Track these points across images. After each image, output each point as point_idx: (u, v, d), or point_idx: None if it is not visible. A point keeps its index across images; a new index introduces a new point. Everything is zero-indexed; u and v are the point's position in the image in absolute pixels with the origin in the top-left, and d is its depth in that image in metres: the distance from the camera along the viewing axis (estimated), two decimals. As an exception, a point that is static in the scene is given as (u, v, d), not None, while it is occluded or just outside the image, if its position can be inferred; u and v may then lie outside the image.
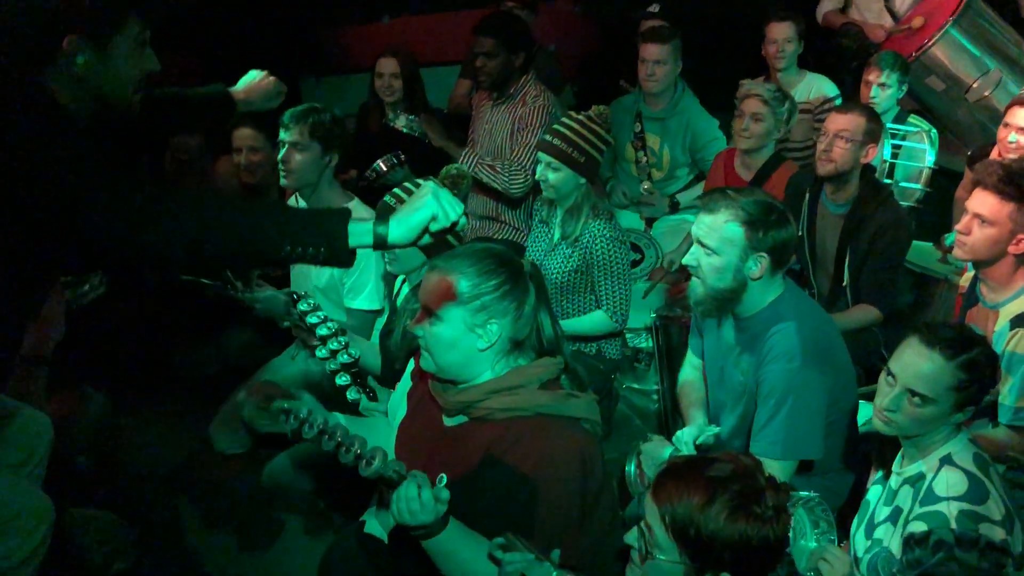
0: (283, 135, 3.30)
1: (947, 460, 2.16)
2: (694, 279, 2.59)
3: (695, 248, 2.57)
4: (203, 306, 3.63)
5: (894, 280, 3.58)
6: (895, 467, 2.30)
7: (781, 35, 4.74)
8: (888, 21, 5.50)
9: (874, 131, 3.53)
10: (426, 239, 1.99)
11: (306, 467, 3.06)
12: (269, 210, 2.11)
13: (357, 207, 3.36)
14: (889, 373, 2.20)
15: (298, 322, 2.87)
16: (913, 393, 2.14)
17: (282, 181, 3.37)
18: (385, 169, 4.02)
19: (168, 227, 1.84)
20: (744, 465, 1.75)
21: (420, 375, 2.25)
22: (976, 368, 2.11)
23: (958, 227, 2.88)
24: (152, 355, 3.93)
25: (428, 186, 2.00)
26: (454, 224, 1.99)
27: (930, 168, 4.17)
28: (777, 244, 2.49)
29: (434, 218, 1.96)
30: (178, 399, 3.93)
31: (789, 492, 1.76)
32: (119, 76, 1.98)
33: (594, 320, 3.44)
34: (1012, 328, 2.76)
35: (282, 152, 3.30)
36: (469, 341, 2.02)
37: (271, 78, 2.87)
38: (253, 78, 2.86)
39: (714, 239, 2.51)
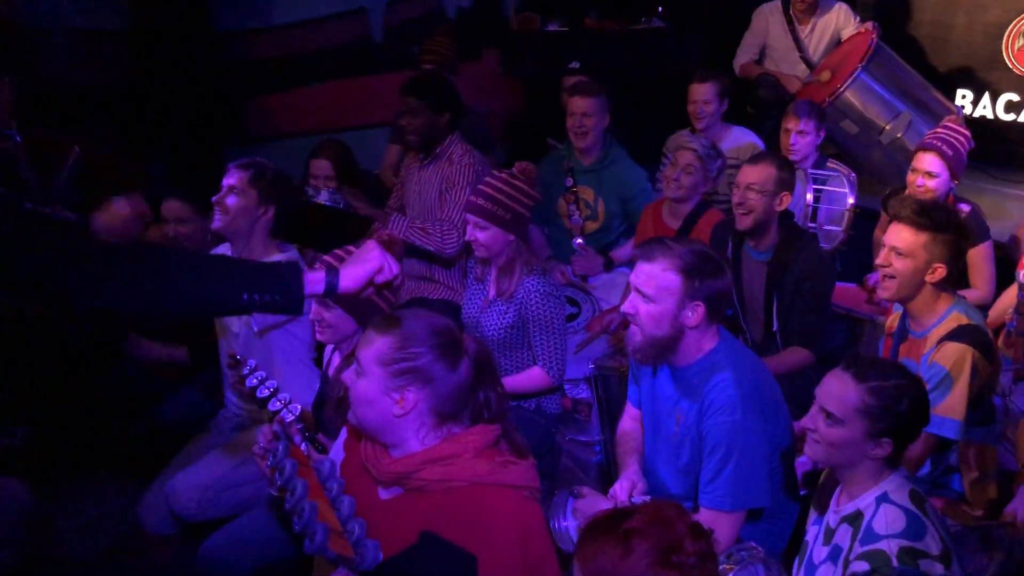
0: (225, 179, 3.30)
1: (884, 498, 2.18)
2: (632, 327, 2.61)
3: (633, 295, 2.59)
4: (128, 383, 3.54)
5: (822, 322, 3.65)
6: (832, 505, 2.32)
7: (700, 96, 4.84)
8: (803, 70, 5.69)
9: (785, 179, 3.61)
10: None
11: (245, 546, 2.95)
12: (224, 261, 2.21)
13: (287, 258, 3.35)
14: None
15: (239, 385, 2.80)
16: (825, 413, 2.21)
17: (214, 223, 3.32)
18: (327, 202, 4.02)
19: (127, 289, 1.88)
20: (663, 514, 1.70)
21: (353, 447, 2.19)
22: (884, 395, 2.15)
23: (877, 261, 2.98)
24: (75, 436, 3.79)
25: (372, 243, 2.15)
26: (396, 276, 2.16)
27: (851, 210, 4.29)
28: (712, 293, 2.53)
29: (380, 270, 2.12)
30: (104, 480, 3.81)
31: (710, 537, 1.73)
32: None
33: (531, 377, 3.42)
34: (938, 344, 2.85)
35: (219, 194, 3.28)
36: (385, 405, 1.99)
37: None
38: None
39: (652, 287, 2.53)
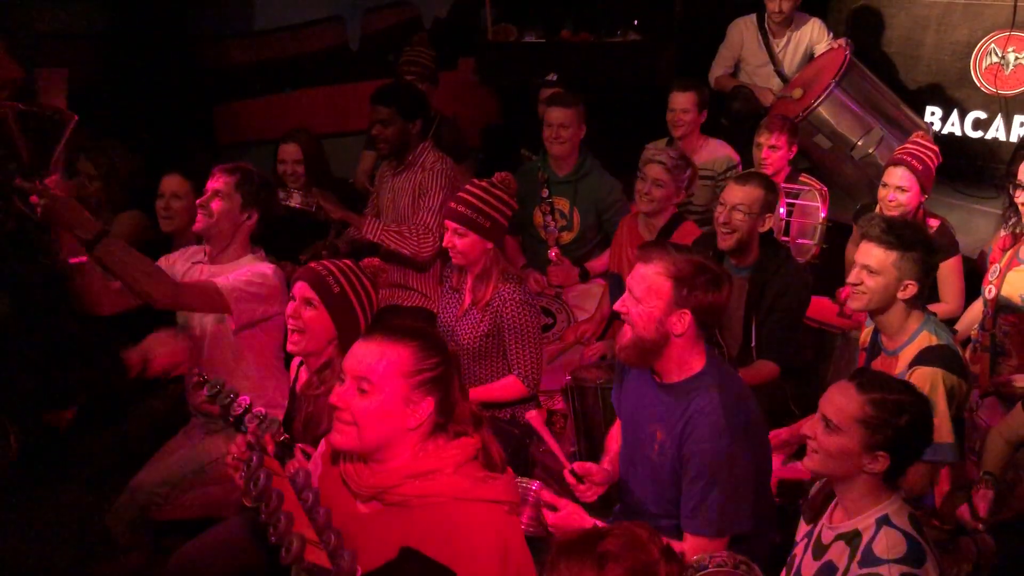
0: (210, 182, 3.30)
1: (885, 520, 2.18)
2: (624, 325, 2.61)
3: (626, 295, 2.59)
4: (97, 389, 3.50)
5: (794, 336, 3.68)
6: (825, 519, 2.32)
7: (679, 105, 4.87)
8: (777, 83, 5.74)
9: (771, 201, 3.65)
10: None
11: (218, 554, 2.91)
12: None
13: (257, 259, 3.36)
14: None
15: (206, 404, 2.76)
16: (825, 420, 2.22)
17: (196, 224, 3.32)
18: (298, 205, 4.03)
19: None
20: (636, 537, 1.71)
21: (331, 460, 2.17)
22: (884, 407, 2.16)
23: (849, 279, 3.01)
24: (39, 444, 3.74)
25: None
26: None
27: (823, 224, 4.34)
28: (703, 305, 2.51)
29: None
30: (71, 489, 3.74)
31: (683, 560, 1.74)
32: None
33: (506, 386, 3.42)
34: (909, 368, 2.87)
35: (204, 196, 3.28)
36: (400, 418, 1.97)
37: None
38: None
39: (641, 289, 2.54)
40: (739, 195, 3.61)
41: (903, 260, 2.88)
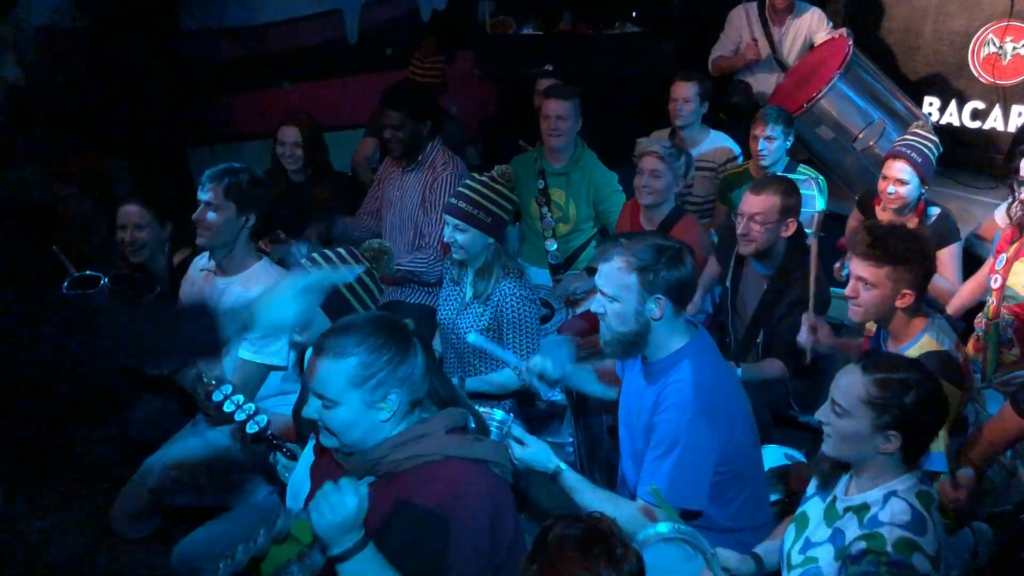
0: (200, 194, 3.26)
1: (893, 493, 2.20)
2: (601, 324, 2.63)
3: (599, 296, 2.61)
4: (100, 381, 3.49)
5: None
6: (839, 491, 2.33)
7: (681, 94, 4.88)
8: (776, 71, 5.76)
9: (791, 205, 3.58)
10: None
11: (220, 547, 2.93)
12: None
13: (266, 267, 3.35)
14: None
15: (204, 399, 2.78)
16: (833, 404, 2.23)
17: (198, 240, 3.31)
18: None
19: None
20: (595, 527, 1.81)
21: (323, 449, 2.20)
22: (889, 387, 2.16)
23: (847, 291, 2.97)
24: (45, 435, 3.75)
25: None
26: None
27: (821, 212, 4.34)
28: (672, 283, 2.53)
29: None
30: (76, 480, 3.76)
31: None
32: None
33: (503, 376, 3.43)
34: None
35: (198, 211, 3.25)
36: (370, 416, 2.01)
37: None
38: None
39: (612, 287, 2.55)
40: (755, 205, 3.56)
41: (896, 271, 2.85)
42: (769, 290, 3.65)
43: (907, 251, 2.86)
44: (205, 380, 2.73)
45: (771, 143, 4.51)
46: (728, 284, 3.85)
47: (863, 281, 2.90)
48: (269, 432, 2.68)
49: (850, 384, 2.21)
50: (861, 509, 2.23)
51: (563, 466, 2.62)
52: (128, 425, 3.76)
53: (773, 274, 3.66)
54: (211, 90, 6.12)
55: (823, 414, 2.28)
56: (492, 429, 2.56)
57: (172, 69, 5.74)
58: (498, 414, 2.65)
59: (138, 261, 3.88)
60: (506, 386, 3.43)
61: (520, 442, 2.63)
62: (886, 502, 2.19)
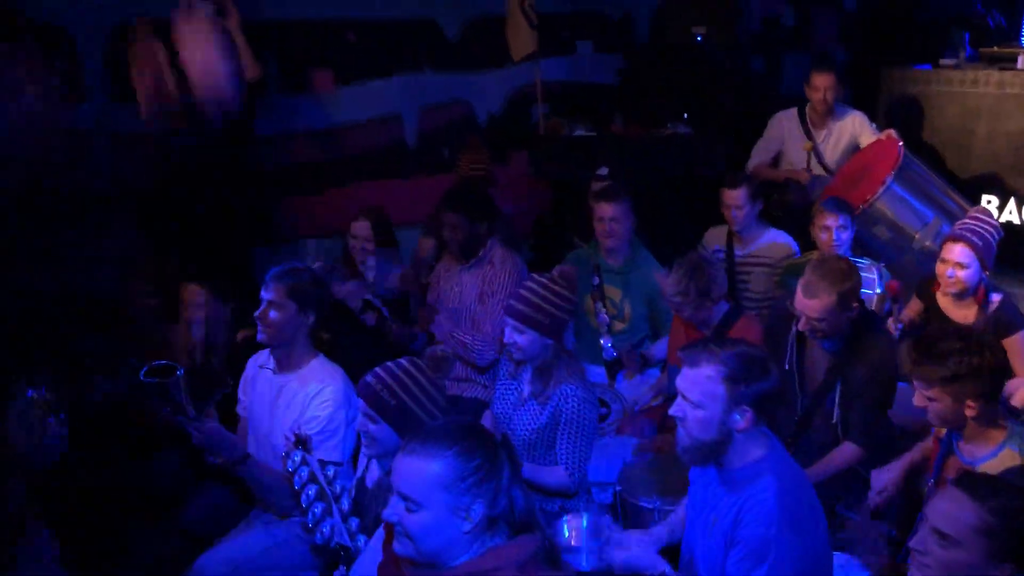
0: (263, 293, 3.35)
1: None
2: (680, 429, 2.58)
3: (680, 400, 2.56)
4: (155, 476, 3.53)
5: (882, 419, 3.57)
6: None
7: (732, 201, 4.90)
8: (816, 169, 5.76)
9: (848, 292, 3.45)
10: None
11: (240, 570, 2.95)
12: None
13: (323, 364, 3.40)
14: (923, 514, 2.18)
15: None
16: (939, 534, 2.10)
17: (259, 337, 3.39)
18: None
19: None
20: None
21: (391, 549, 2.16)
22: (1007, 515, 2.04)
23: (915, 402, 2.85)
24: (98, 535, 3.75)
25: None
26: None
27: (879, 294, 4.32)
28: (760, 396, 2.49)
29: None
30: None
31: None
32: None
33: (554, 474, 3.39)
34: None
35: (260, 309, 3.34)
36: (453, 525, 1.97)
37: None
38: None
39: (697, 393, 2.50)
40: (812, 309, 3.45)
41: (951, 387, 2.70)
42: (832, 367, 3.57)
43: (957, 366, 2.70)
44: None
45: (843, 232, 4.50)
46: (788, 366, 3.71)
47: (927, 397, 2.79)
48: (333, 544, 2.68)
49: (958, 512, 2.08)
50: None
51: (669, 571, 2.54)
52: (182, 518, 3.77)
53: (837, 351, 3.57)
54: (279, 192, 6.29)
55: (920, 542, 2.14)
56: (583, 534, 2.49)
57: (243, 174, 5.91)
58: (588, 518, 2.58)
59: (199, 338, 4.02)
60: (554, 483, 3.38)
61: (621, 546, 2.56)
62: None
